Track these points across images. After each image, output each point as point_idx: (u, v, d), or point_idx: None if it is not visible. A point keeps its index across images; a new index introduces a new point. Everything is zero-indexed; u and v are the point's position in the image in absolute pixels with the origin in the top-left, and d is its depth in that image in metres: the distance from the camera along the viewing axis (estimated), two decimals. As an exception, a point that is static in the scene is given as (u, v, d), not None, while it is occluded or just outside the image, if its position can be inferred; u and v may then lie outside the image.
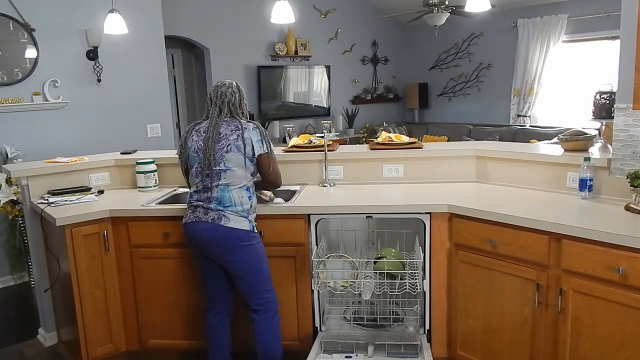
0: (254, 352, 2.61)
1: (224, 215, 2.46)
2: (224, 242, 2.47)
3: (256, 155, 2.53)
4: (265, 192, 2.90)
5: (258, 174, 2.64)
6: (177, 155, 2.74)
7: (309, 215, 2.79)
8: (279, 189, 2.82)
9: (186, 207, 2.60)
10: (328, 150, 3.26)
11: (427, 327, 2.85)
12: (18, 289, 4.44)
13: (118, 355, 3.04)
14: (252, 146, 2.50)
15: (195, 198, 2.55)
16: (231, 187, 2.49)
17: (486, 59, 8.06)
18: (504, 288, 2.51)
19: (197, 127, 2.60)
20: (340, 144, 3.72)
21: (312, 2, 7.61)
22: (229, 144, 2.48)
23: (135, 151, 3.77)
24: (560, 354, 2.33)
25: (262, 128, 2.59)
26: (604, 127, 2.83)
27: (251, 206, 2.55)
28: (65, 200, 3.05)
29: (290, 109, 7.58)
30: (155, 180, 3.40)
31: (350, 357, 2.73)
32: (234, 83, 2.63)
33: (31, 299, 4.04)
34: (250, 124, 2.55)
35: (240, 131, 2.50)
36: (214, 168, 2.49)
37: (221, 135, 2.50)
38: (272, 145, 2.62)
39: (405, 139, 3.45)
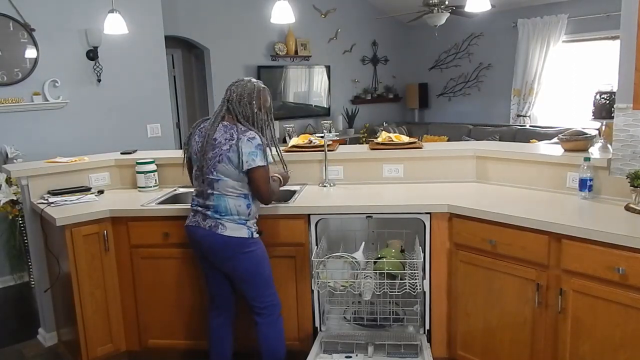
0: (258, 354, 2.59)
1: (220, 224, 2.40)
2: (221, 251, 2.44)
3: (244, 170, 2.36)
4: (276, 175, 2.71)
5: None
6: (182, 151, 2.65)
7: (309, 215, 2.79)
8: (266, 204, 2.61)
9: (190, 207, 2.58)
10: (328, 150, 3.26)
11: (427, 327, 2.85)
12: (18, 289, 4.44)
13: (118, 355, 3.04)
14: (247, 158, 2.33)
15: (195, 202, 2.51)
16: (226, 196, 2.40)
17: (486, 59, 8.06)
18: (504, 288, 2.51)
19: (201, 126, 2.51)
20: (340, 144, 3.73)
21: (312, 2, 7.61)
22: (221, 154, 2.36)
23: (135, 151, 3.77)
24: (560, 354, 2.33)
25: (260, 138, 2.38)
26: (604, 127, 2.83)
27: (249, 214, 2.46)
28: (65, 200, 3.05)
29: (290, 109, 7.58)
30: (155, 180, 3.40)
31: (350, 357, 2.73)
32: (250, 83, 2.44)
33: (31, 299, 4.04)
34: (248, 133, 2.36)
35: (234, 141, 2.34)
36: (207, 176, 2.41)
37: (215, 142, 2.38)
38: (267, 159, 2.42)
39: (405, 139, 3.45)
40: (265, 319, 2.55)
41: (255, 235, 2.50)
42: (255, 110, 2.43)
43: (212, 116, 2.50)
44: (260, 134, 2.41)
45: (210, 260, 2.53)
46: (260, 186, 2.39)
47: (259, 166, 2.35)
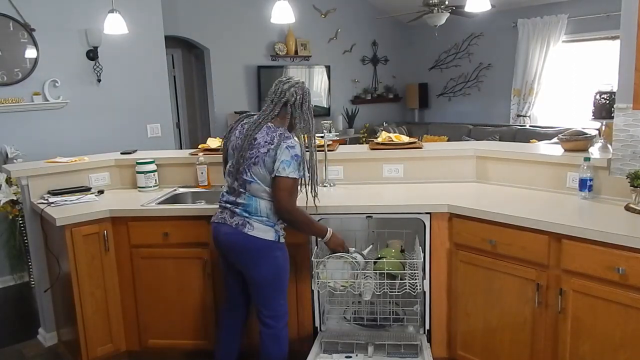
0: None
1: (248, 222, 2.34)
2: (244, 251, 2.39)
3: (274, 175, 2.28)
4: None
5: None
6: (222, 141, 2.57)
7: (309, 215, 2.79)
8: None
9: (218, 204, 2.52)
10: (328, 150, 3.26)
11: (427, 327, 2.85)
12: (18, 289, 4.44)
13: (118, 355, 3.04)
14: (279, 165, 2.26)
15: (225, 199, 2.45)
16: (258, 198, 2.35)
17: (486, 59, 8.06)
18: (504, 288, 2.51)
19: (244, 121, 2.43)
20: (340, 144, 3.72)
21: (312, 2, 7.61)
22: (257, 156, 2.29)
23: (135, 151, 3.77)
24: (560, 354, 2.33)
25: (300, 149, 2.30)
26: (604, 127, 2.83)
27: (279, 218, 2.41)
28: (65, 200, 3.05)
29: (290, 109, 7.56)
30: (155, 180, 3.40)
31: (350, 357, 2.73)
32: (305, 86, 2.41)
33: (31, 299, 4.04)
34: (290, 140, 2.29)
35: (274, 145, 2.27)
36: (241, 175, 2.35)
37: (255, 143, 2.31)
38: (304, 172, 2.34)
39: (405, 139, 3.45)
40: (269, 329, 2.49)
41: (282, 240, 2.45)
42: (307, 111, 2.40)
43: (259, 114, 2.41)
44: (301, 144, 2.33)
45: (230, 260, 2.49)
46: (281, 195, 2.29)
47: (288, 177, 2.27)
